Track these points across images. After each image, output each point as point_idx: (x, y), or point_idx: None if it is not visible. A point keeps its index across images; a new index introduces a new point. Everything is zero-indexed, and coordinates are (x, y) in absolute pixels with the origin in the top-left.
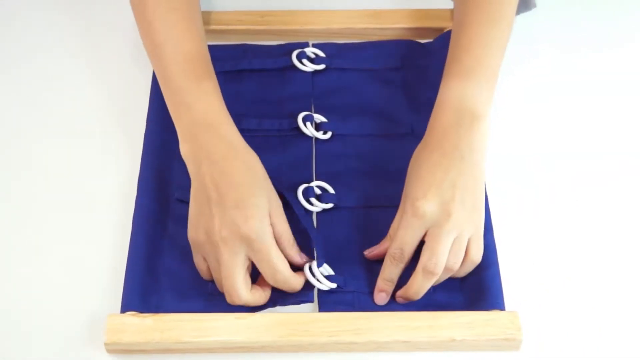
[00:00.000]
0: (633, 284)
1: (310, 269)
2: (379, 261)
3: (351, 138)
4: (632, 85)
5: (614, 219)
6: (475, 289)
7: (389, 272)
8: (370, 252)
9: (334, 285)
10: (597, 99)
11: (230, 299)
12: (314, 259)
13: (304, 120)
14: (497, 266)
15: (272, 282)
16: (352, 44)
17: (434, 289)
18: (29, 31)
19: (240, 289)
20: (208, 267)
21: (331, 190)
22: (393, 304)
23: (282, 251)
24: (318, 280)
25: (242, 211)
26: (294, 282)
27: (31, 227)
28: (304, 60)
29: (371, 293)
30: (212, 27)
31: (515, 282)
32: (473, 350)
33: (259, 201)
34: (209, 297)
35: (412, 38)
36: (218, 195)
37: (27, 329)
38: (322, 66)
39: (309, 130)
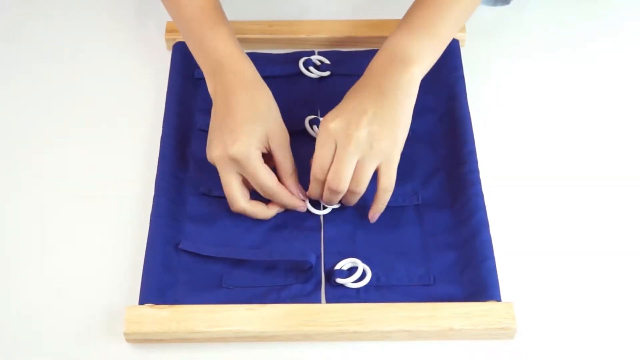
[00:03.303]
0: (621, 277)
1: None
2: (382, 255)
3: None
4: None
5: (605, 215)
6: (473, 281)
7: (312, 188)
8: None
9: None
10: (592, 102)
11: (232, 207)
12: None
13: (311, 123)
14: (494, 260)
15: (263, 194)
16: (356, 51)
17: (434, 281)
18: (45, 35)
19: (237, 197)
20: None
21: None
22: (395, 298)
23: (280, 179)
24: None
25: (232, 135)
26: (282, 194)
27: (54, 225)
28: (310, 67)
29: (376, 287)
30: None
31: (511, 275)
32: (470, 339)
33: (250, 128)
34: (222, 290)
35: None
36: (221, 122)
37: (51, 320)
38: (327, 73)
39: (315, 132)
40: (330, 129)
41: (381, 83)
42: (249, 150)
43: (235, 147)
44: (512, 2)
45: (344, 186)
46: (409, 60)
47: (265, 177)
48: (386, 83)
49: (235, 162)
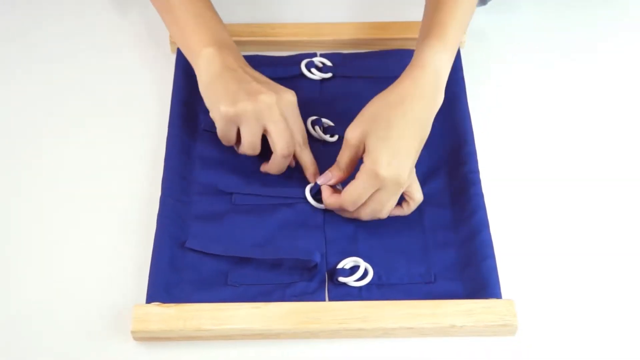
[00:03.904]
0: (621, 276)
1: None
2: (383, 254)
3: None
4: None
5: (605, 215)
6: (474, 279)
7: (338, 211)
8: (322, 181)
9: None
10: (591, 101)
11: (288, 147)
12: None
13: (313, 124)
14: (494, 259)
15: (286, 149)
16: (357, 53)
17: (435, 279)
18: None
19: (291, 136)
20: (237, 136)
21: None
22: (397, 296)
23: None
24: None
25: (277, 87)
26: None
27: (62, 225)
28: (313, 69)
29: (378, 285)
30: None
31: (511, 273)
32: (472, 335)
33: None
34: (228, 288)
35: (413, 48)
36: (252, 82)
37: (59, 319)
38: (329, 74)
39: (317, 133)
40: (381, 177)
41: (429, 115)
42: (296, 98)
43: (290, 93)
44: (511, 3)
45: (373, 217)
46: (443, 84)
47: (302, 124)
48: (431, 114)
49: (288, 105)
